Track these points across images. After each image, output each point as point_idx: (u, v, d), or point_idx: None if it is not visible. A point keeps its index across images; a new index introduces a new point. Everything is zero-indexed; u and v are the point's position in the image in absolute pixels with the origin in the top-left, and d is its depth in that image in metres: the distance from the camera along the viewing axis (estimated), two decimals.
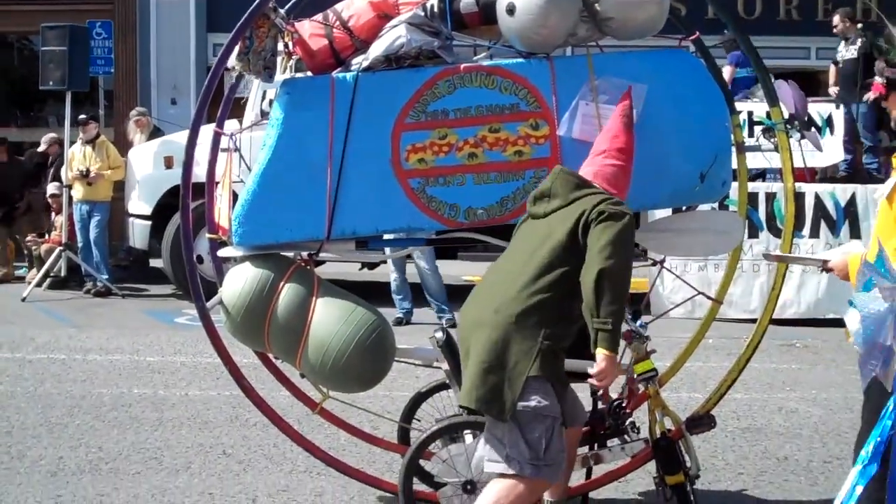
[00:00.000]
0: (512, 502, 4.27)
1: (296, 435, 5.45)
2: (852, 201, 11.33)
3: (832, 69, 13.81)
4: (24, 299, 12.61)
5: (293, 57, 5.21)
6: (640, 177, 4.95)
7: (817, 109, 12.45)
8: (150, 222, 12.94)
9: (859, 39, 13.12)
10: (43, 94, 16.88)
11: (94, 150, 13.37)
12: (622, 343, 4.83)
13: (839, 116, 12.62)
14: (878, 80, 11.51)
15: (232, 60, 5.04)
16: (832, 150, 12.57)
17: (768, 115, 5.08)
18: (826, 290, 11.04)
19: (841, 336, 9.69)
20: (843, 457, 6.48)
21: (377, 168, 5.01)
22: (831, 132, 12.53)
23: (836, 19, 13.64)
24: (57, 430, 7.01)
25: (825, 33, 15.53)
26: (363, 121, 4.99)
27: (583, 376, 5.30)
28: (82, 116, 13.81)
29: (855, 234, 11.19)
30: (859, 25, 13.45)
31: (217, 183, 5.47)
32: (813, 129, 11.95)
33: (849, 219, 11.29)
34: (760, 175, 12.21)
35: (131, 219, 13.25)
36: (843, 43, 13.48)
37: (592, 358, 5.18)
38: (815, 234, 11.27)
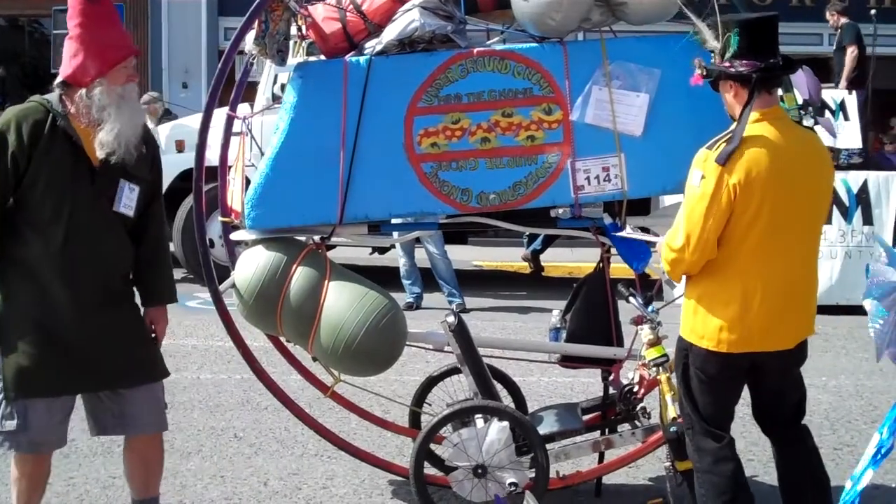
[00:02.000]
0: (15, 480, 4.34)
1: (307, 418, 5.46)
2: (864, 188, 11.29)
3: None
4: None
5: (306, 40, 5.21)
6: (653, 162, 4.97)
7: (831, 95, 12.39)
8: None
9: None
10: (54, 77, 16.85)
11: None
12: (634, 328, 4.86)
13: (852, 102, 12.57)
14: None
15: (249, 45, 5.05)
16: (848, 135, 12.49)
17: (782, 100, 5.05)
18: (839, 277, 11.02)
19: (851, 323, 9.74)
20: (853, 444, 6.48)
21: (390, 152, 5.01)
22: (845, 118, 12.45)
23: (828, 14, 13.75)
24: None
25: None
26: (376, 105, 4.98)
27: (589, 361, 5.36)
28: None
29: (867, 220, 11.16)
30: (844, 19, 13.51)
31: (230, 167, 5.48)
32: (827, 112, 11.90)
33: (861, 205, 11.24)
34: None
35: None
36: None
37: (598, 343, 5.22)
38: (827, 220, 11.21)
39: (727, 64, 4.10)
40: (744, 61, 4.06)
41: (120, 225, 4.29)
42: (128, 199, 4.28)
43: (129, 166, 4.24)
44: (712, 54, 4.22)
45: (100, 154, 4.15)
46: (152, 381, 4.45)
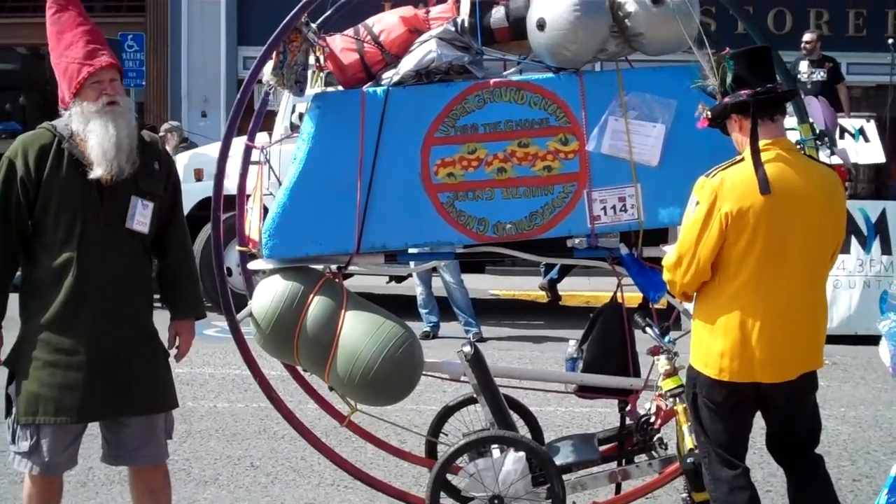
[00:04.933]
0: (27, 497, 4.36)
1: (324, 448, 5.45)
2: (882, 217, 11.24)
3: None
4: None
5: (324, 71, 5.24)
6: (669, 192, 4.96)
7: (850, 123, 12.37)
8: None
9: (827, 63, 13.33)
10: None
11: None
12: (651, 358, 4.84)
13: (871, 128, 12.55)
14: None
15: (266, 75, 5.08)
16: (870, 153, 12.43)
17: (798, 126, 5.06)
18: (857, 306, 10.96)
19: (870, 353, 9.66)
20: (872, 475, 6.44)
21: (407, 182, 5.03)
22: (865, 139, 12.40)
23: (812, 37, 13.67)
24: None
25: (856, 49, 15.43)
26: (393, 135, 5.01)
27: (605, 391, 5.35)
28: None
29: (886, 249, 11.11)
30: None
31: (248, 196, 5.50)
32: (848, 136, 11.88)
33: (880, 234, 11.20)
34: None
35: None
36: (806, 63, 13.58)
37: (615, 373, 5.21)
38: (845, 249, 11.15)
39: (728, 99, 4.15)
40: (742, 91, 4.12)
41: (135, 242, 4.32)
42: (141, 216, 4.29)
43: (140, 182, 4.27)
44: (715, 100, 4.28)
45: (95, 172, 4.15)
46: (153, 413, 4.42)
